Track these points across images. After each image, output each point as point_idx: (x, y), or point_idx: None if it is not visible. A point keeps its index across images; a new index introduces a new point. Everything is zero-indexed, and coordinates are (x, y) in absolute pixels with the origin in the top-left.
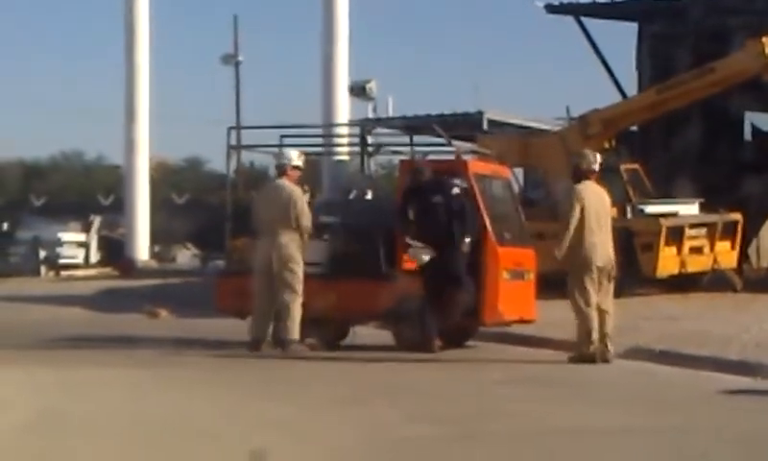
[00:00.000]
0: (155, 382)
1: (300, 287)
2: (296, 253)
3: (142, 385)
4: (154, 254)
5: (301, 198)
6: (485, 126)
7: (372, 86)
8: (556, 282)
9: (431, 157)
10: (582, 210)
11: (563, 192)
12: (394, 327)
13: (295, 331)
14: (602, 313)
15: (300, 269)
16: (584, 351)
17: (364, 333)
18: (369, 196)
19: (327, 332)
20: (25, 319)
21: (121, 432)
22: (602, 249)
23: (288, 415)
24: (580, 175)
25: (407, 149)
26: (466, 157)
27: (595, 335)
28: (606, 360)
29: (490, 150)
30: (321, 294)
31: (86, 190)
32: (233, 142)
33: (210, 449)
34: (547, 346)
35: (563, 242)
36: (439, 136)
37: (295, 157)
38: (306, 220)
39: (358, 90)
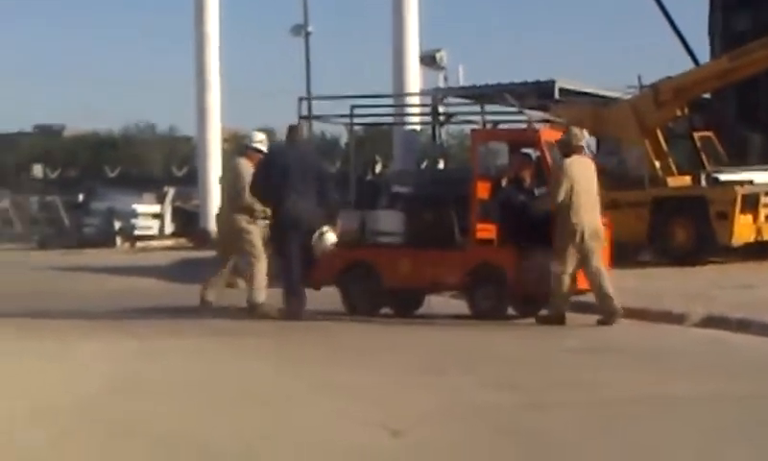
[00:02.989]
0: (230, 351)
1: (258, 252)
2: (245, 224)
3: (218, 354)
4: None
5: (247, 175)
6: (556, 94)
7: (443, 56)
8: (629, 251)
9: (502, 125)
10: (571, 184)
11: (635, 160)
12: (468, 297)
13: (260, 295)
14: (598, 273)
15: (253, 236)
16: (554, 313)
17: (438, 303)
18: (441, 165)
19: (402, 302)
20: (101, 289)
21: (197, 399)
22: (589, 218)
23: (363, 382)
24: (569, 151)
25: (478, 118)
26: (537, 126)
27: (565, 300)
28: (617, 316)
29: (561, 118)
30: (395, 264)
31: (160, 162)
32: (304, 112)
33: (286, 415)
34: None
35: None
36: (510, 105)
37: (257, 139)
38: (247, 196)
39: (429, 60)
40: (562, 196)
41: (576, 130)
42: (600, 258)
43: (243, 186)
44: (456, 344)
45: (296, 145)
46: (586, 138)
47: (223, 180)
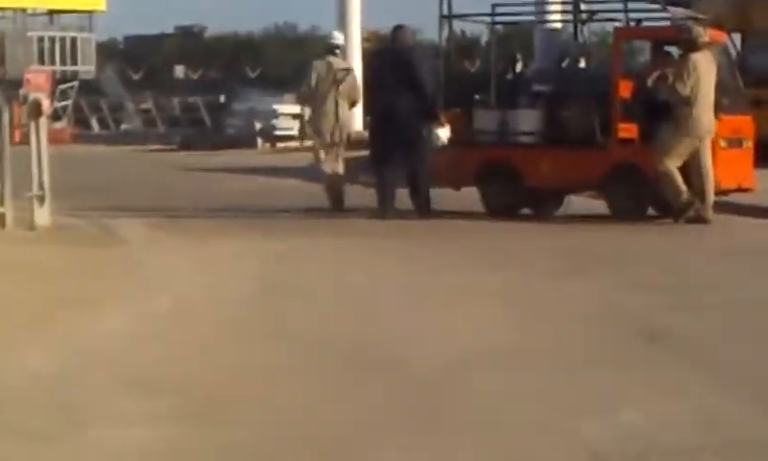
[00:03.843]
0: (368, 252)
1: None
2: (352, 118)
3: (356, 255)
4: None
5: (354, 72)
6: None
7: None
8: None
9: (646, 23)
10: (697, 79)
11: None
12: (608, 196)
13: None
14: (707, 174)
15: None
16: (680, 207)
17: (578, 202)
18: (582, 64)
19: (542, 202)
20: (243, 189)
21: (337, 301)
22: (708, 116)
23: (502, 284)
24: (693, 47)
25: (621, 16)
26: (681, 24)
27: (684, 189)
28: (706, 222)
29: (706, 15)
30: (535, 164)
31: (300, 62)
32: (445, 11)
33: (425, 318)
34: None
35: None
36: (654, 2)
37: (342, 38)
38: (358, 94)
39: None
40: (687, 91)
41: (696, 26)
42: (709, 158)
43: (356, 83)
44: (597, 245)
45: (395, 49)
46: (707, 33)
47: (318, 79)
